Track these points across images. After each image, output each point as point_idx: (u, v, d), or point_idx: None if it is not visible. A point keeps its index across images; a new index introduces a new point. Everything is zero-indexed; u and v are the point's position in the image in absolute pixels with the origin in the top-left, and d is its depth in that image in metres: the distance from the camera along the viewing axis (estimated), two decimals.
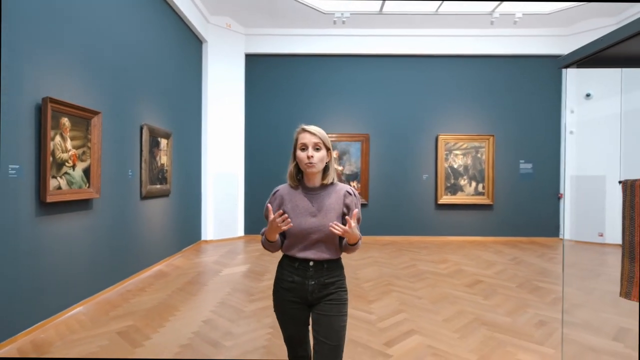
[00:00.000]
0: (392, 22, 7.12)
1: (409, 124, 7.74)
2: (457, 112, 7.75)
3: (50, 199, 3.10)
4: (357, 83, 7.74)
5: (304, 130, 1.55)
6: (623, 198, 1.90)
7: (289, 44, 7.63)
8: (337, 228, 1.43)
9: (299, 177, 1.61)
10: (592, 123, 7.00)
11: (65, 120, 3.31)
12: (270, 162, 7.71)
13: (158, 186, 5.22)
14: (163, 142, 5.36)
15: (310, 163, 1.51)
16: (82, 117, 3.53)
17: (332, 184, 1.61)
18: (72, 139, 3.40)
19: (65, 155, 3.31)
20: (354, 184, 7.78)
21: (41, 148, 3.06)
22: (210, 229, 7.18)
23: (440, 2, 6.14)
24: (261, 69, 7.75)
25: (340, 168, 7.79)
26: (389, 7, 6.49)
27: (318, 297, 1.55)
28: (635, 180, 1.85)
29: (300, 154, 1.53)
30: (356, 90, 7.74)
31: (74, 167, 3.43)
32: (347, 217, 1.47)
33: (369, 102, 7.74)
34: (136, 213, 4.71)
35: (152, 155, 5.05)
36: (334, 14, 6.56)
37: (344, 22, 6.71)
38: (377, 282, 4.50)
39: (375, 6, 6.36)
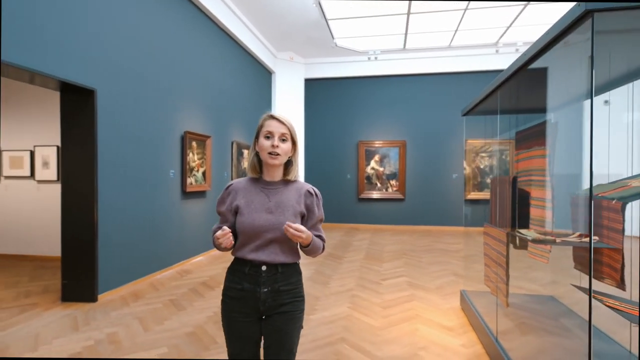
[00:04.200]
0: (420, 47, 8.66)
1: (440, 131, 9.14)
2: (482, 120, 8.95)
3: (188, 189, 5.31)
4: (395, 98, 9.34)
5: (272, 117, 1.41)
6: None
7: (339, 69, 9.49)
8: (291, 229, 1.28)
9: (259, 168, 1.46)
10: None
11: (194, 143, 5.52)
12: (326, 168, 9.64)
13: None
14: (245, 152, 7.54)
15: (274, 153, 1.37)
16: (202, 140, 5.73)
17: (293, 181, 1.47)
18: (197, 154, 5.61)
19: (194, 164, 5.52)
20: (393, 182, 9.39)
21: (183, 160, 5.28)
22: None
23: (453, 35, 7.54)
24: (317, 90, 9.71)
25: (381, 169, 9.45)
26: (410, 43, 8.09)
27: (271, 307, 1.38)
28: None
29: (264, 142, 1.37)
30: (394, 104, 9.35)
31: (198, 170, 5.64)
32: (286, 225, 1.29)
33: (405, 114, 9.29)
34: None
35: (239, 161, 7.24)
36: (367, 52, 8.30)
37: (376, 58, 8.42)
38: (395, 253, 6.16)
39: (399, 43, 7.99)
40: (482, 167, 8.97)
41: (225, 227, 1.31)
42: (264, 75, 8.77)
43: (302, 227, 1.30)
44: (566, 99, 2.89)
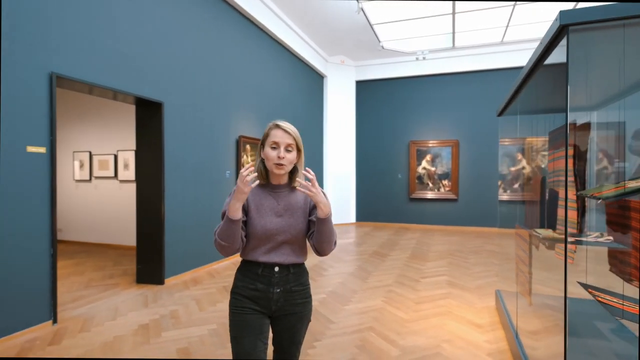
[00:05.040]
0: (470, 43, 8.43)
1: (495, 129, 8.82)
2: (542, 118, 8.48)
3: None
4: (446, 97, 9.19)
5: (278, 127, 1.42)
6: None
7: (389, 70, 9.57)
8: (309, 175, 1.34)
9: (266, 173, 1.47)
10: None
11: (248, 146, 6.04)
12: (377, 168, 9.78)
13: None
14: None
15: (280, 164, 1.39)
16: (255, 143, 6.25)
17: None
18: (250, 156, 6.12)
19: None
20: (446, 182, 9.25)
21: (238, 161, 5.82)
22: None
23: (504, 31, 7.26)
24: (368, 92, 9.89)
25: (433, 169, 9.36)
26: (459, 41, 7.92)
27: (282, 307, 1.43)
28: None
29: (271, 153, 1.39)
30: (446, 103, 9.20)
31: None
32: (306, 183, 1.34)
33: (457, 112, 9.10)
34: None
35: None
36: (415, 52, 8.28)
37: (424, 58, 8.37)
38: (441, 253, 6.16)
39: (448, 42, 7.87)
40: (543, 166, 8.48)
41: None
42: (315, 79, 9.16)
43: (317, 187, 1.35)
44: (602, 98, 2.82)
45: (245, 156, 5.95)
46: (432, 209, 9.34)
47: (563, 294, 3.54)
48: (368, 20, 6.80)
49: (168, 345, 2.82)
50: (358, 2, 5.90)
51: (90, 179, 6.90)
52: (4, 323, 2.83)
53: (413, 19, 6.59)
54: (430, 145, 9.34)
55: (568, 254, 2.59)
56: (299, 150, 1.47)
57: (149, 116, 4.36)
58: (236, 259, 5.68)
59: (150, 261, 4.36)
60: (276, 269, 1.42)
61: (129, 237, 6.43)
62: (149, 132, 4.37)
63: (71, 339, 2.92)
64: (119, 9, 3.80)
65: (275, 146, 1.40)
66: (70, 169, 7.06)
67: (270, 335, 1.50)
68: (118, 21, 3.79)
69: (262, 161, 1.47)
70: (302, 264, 1.50)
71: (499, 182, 8.88)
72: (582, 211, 2.68)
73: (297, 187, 1.37)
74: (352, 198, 9.95)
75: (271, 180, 1.48)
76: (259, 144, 1.48)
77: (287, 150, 1.41)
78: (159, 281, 4.33)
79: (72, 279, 4.59)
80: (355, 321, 3.28)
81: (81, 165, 6.95)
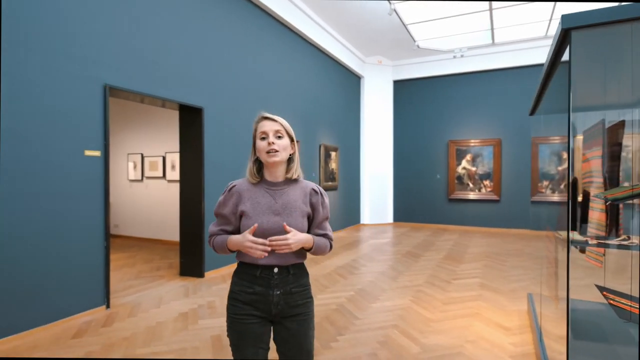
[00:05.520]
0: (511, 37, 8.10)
1: (538, 128, 8.41)
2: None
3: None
4: (486, 94, 8.90)
5: (263, 118, 1.40)
6: None
7: (426, 68, 9.43)
8: (275, 242, 1.28)
9: (260, 173, 1.43)
10: None
11: None
12: (415, 168, 9.68)
13: (330, 183, 8.00)
14: (333, 154, 8.11)
15: (272, 150, 1.34)
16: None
17: (296, 180, 1.45)
18: None
19: None
20: (487, 182, 8.96)
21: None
22: (367, 215, 9.69)
23: (548, 24, 6.91)
24: (405, 91, 9.80)
25: (473, 169, 9.10)
26: (499, 37, 7.63)
27: (283, 310, 1.38)
28: None
29: (261, 144, 1.36)
30: (486, 100, 8.91)
31: None
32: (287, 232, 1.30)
33: (499, 110, 8.78)
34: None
35: (326, 162, 7.84)
36: (453, 50, 8.10)
37: (462, 55, 8.16)
38: (477, 255, 6.02)
39: (487, 38, 7.62)
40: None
41: (249, 236, 1.30)
42: (352, 80, 9.25)
43: (287, 236, 1.29)
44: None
45: None
46: (473, 210, 9.09)
47: (591, 299, 3.40)
48: (402, 21, 6.79)
49: (203, 332, 3.07)
50: (390, 3, 5.92)
51: (142, 178, 7.48)
52: (65, 306, 3.23)
53: (447, 17, 6.49)
54: (471, 144, 9.09)
55: (597, 257, 2.52)
56: (291, 139, 1.42)
57: (190, 121, 4.70)
58: None
59: (191, 256, 4.70)
60: (275, 270, 1.37)
61: (175, 233, 6.89)
62: (191, 135, 4.70)
63: (121, 322, 3.26)
64: (163, 24, 4.15)
65: (265, 136, 1.37)
66: (125, 169, 7.70)
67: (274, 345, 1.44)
68: (162, 35, 4.14)
69: (256, 160, 1.42)
70: (302, 264, 1.45)
71: (546, 182, 8.47)
72: (615, 213, 2.58)
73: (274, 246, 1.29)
74: (389, 198, 9.91)
75: (267, 177, 1.42)
76: (252, 145, 1.43)
77: (277, 137, 1.37)
78: (200, 274, 4.65)
79: (124, 270, 5.05)
80: (380, 318, 3.36)
81: (134, 166, 7.55)
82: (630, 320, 1.51)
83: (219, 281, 4.52)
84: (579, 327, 2.95)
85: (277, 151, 1.35)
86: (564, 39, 1.48)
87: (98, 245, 3.52)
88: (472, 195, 9.08)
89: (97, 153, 3.49)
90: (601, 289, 1.96)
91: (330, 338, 2.91)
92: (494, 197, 8.83)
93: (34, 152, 3.01)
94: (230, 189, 1.42)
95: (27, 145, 2.97)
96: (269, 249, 1.28)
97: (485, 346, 2.81)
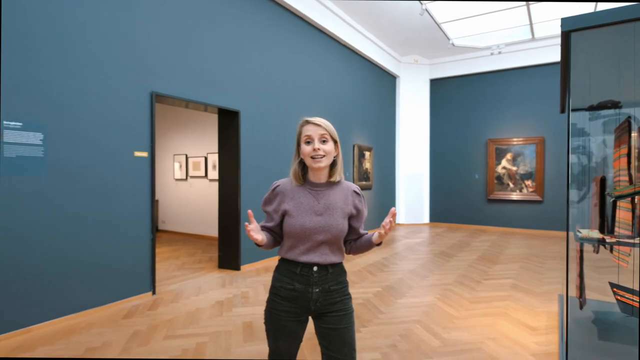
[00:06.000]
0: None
1: (585, 125, 7.97)
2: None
3: None
4: (527, 91, 8.56)
5: (308, 122, 1.43)
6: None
7: (463, 66, 9.24)
8: (388, 225, 1.30)
9: (304, 174, 1.47)
10: None
11: None
12: (453, 168, 9.52)
13: (364, 182, 8.09)
14: (367, 154, 8.20)
15: (318, 156, 1.38)
16: None
17: (338, 182, 1.48)
18: None
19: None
20: (529, 182, 8.63)
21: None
22: (402, 215, 9.67)
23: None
24: (442, 90, 9.67)
25: (514, 168, 8.80)
26: (539, 32, 7.33)
27: (322, 306, 1.42)
28: None
29: (306, 148, 1.40)
30: (527, 97, 8.57)
31: None
32: (384, 224, 1.31)
33: (542, 107, 8.42)
34: None
35: (360, 162, 7.95)
36: (490, 47, 7.89)
37: (499, 52, 7.92)
38: (514, 257, 5.87)
39: (526, 33, 7.35)
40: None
41: (252, 226, 1.35)
42: (387, 80, 9.27)
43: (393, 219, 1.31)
44: None
45: None
46: (513, 210, 8.79)
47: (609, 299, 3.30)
48: (434, 20, 6.75)
49: (236, 318, 3.32)
50: (421, 3, 5.93)
51: (187, 178, 8.00)
52: (116, 292, 3.63)
53: (481, 14, 6.37)
54: (512, 142, 8.79)
55: (622, 257, 2.47)
56: (335, 143, 1.45)
57: (228, 123, 5.02)
58: None
59: (229, 250, 5.02)
60: (315, 268, 1.41)
61: (215, 229, 7.33)
62: (228, 137, 5.02)
63: (165, 307, 3.60)
64: (202, 35, 4.49)
65: (309, 140, 1.40)
66: (171, 169, 8.27)
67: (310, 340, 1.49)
68: (202, 45, 4.48)
69: (300, 162, 1.47)
70: (340, 263, 1.48)
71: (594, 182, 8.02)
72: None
73: (385, 227, 1.32)
74: (426, 198, 9.82)
75: (310, 178, 1.46)
76: (295, 146, 1.48)
77: (322, 142, 1.40)
78: (236, 267, 4.95)
79: (170, 262, 5.49)
80: (404, 313, 3.45)
81: (180, 166, 8.09)
82: (633, 315, 1.53)
83: (253, 274, 4.80)
84: (602, 327, 2.87)
85: (322, 156, 1.39)
86: (566, 41, 1.53)
87: (145, 238, 3.90)
88: (514, 196, 8.78)
89: (145, 154, 3.87)
90: (613, 285, 1.95)
91: None
92: (537, 197, 8.49)
93: (90, 153, 3.42)
94: (274, 188, 1.47)
95: (84, 147, 3.38)
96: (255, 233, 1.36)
97: (506, 344, 2.82)
